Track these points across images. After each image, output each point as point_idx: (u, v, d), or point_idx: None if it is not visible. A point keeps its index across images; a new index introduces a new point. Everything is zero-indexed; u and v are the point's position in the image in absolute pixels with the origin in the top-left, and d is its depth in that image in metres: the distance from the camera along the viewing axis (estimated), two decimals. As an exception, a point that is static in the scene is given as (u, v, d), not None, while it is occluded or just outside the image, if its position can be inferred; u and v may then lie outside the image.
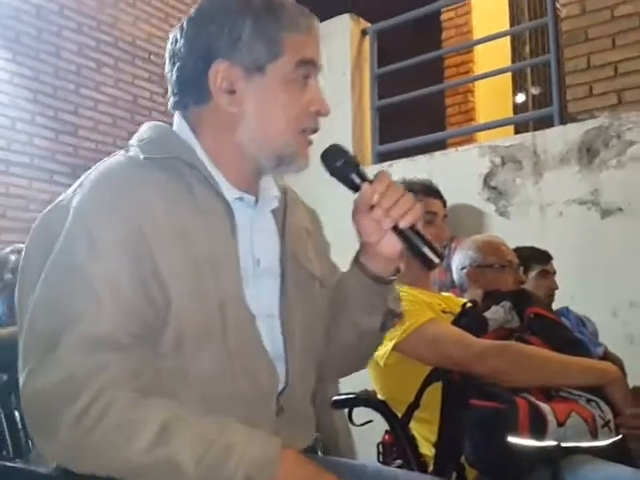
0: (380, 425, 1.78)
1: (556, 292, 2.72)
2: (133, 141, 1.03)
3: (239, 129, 1.01)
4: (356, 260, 1.10)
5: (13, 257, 3.19)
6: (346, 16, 4.69)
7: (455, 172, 3.91)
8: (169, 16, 5.08)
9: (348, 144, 4.51)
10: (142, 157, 0.97)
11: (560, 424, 1.43)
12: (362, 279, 1.08)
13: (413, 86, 4.38)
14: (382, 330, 1.15)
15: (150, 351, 0.91)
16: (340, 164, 1.03)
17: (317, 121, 1.05)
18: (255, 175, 1.06)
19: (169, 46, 1.05)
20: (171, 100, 1.06)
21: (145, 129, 1.05)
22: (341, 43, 4.67)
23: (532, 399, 1.48)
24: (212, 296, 0.95)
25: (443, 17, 5.53)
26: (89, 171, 0.99)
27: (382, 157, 4.50)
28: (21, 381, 0.87)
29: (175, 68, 1.03)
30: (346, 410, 1.86)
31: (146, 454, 0.82)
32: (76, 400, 0.83)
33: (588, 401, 1.51)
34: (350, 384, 1.62)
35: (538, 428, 1.42)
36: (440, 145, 4.65)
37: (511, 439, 1.41)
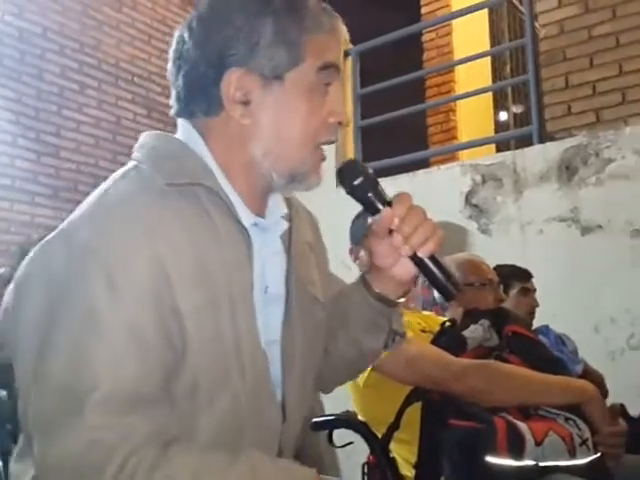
0: (364, 445, 1.77)
1: (538, 309, 2.73)
2: (141, 156, 0.92)
3: (251, 142, 0.91)
4: (363, 279, 1.03)
5: None
6: (328, 37, 4.73)
7: (437, 190, 3.93)
8: (152, 38, 5.11)
9: (331, 163, 4.52)
10: (163, 183, 0.86)
11: (538, 443, 1.42)
12: (368, 299, 1.02)
13: (395, 106, 4.41)
14: (385, 348, 1.10)
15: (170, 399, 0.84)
16: (358, 183, 0.96)
17: (336, 133, 0.96)
18: (264, 194, 0.97)
19: (174, 45, 0.94)
20: (175, 106, 0.96)
21: (153, 142, 0.94)
22: (323, 64, 4.71)
23: (510, 418, 1.47)
24: (228, 336, 0.87)
25: (424, 38, 5.59)
26: (95, 195, 0.88)
27: (365, 176, 4.52)
28: (39, 444, 0.80)
29: (182, 73, 0.92)
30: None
31: None
32: (104, 471, 0.76)
33: (566, 419, 1.52)
34: (332, 404, 1.61)
35: (516, 448, 1.41)
36: (422, 164, 4.68)
37: (490, 459, 1.41)
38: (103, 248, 0.81)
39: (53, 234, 0.86)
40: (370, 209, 0.96)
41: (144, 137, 0.95)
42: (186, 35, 0.92)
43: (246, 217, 0.92)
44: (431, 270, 0.94)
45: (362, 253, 1.72)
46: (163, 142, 0.94)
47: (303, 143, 0.92)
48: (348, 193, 0.98)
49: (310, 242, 1.11)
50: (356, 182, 0.96)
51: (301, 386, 1.01)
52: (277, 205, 1.00)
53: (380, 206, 0.95)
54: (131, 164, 0.93)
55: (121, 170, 0.92)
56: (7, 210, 4.09)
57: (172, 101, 0.96)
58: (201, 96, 0.91)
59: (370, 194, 0.95)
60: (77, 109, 4.61)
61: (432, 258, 0.94)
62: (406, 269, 0.96)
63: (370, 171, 0.98)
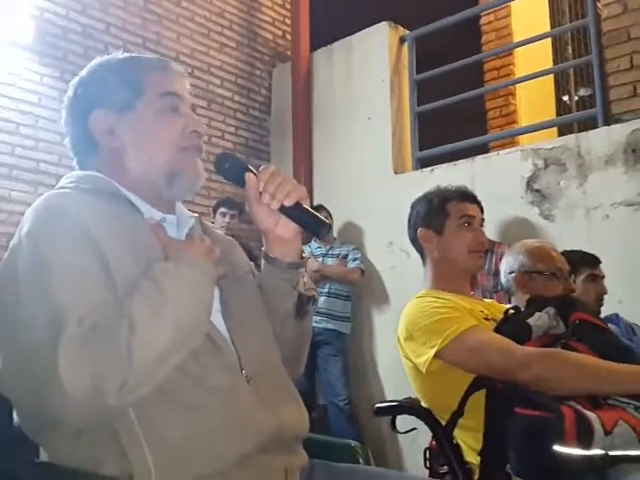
0: (427, 430, 1.78)
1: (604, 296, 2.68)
2: (62, 183, 1.16)
3: (125, 159, 1.16)
4: (263, 255, 1.23)
5: None
6: (384, 24, 4.71)
7: (497, 176, 3.88)
8: (211, 31, 5.17)
9: (388, 151, 4.52)
10: (82, 188, 1.11)
11: (607, 432, 1.39)
12: (268, 268, 1.22)
13: (453, 91, 4.36)
14: (299, 317, 1.24)
15: None
16: (227, 166, 1.18)
17: (198, 140, 1.19)
18: (164, 198, 1.18)
19: (62, 122, 1.22)
20: (75, 164, 1.22)
21: (67, 176, 1.18)
22: (379, 51, 4.69)
23: (578, 407, 1.45)
24: None
25: (482, 21, 5.49)
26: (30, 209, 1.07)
27: (423, 163, 4.49)
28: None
29: (68, 136, 1.21)
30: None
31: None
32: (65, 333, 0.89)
33: (636, 409, 1.48)
34: (395, 391, 1.62)
35: (585, 437, 1.39)
36: (481, 149, 4.61)
37: (557, 448, 1.39)
38: (38, 230, 1.01)
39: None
40: (242, 184, 1.16)
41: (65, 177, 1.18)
42: (63, 112, 1.21)
43: (153, 213, 1.14)
44: (299, 216, 1.14)
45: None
46: (77, 174, 1.17)
47: (164, 149, 1.16)
48: (225, 178, 1.20)
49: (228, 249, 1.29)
50: (226, 166, 1.18)
51: (249, 332, 1.15)
52: (184, 212, 1.23)
53: (247, 178, 1.16)
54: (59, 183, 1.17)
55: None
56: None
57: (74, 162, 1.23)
58: (81, 141, 1.19)
59: (241, 174, 1.16)
60: (139, 102, 4.72)
61: (298, 206, 1.13)
62: (287, 227, 1.17)
63: (237, 157, 1.23)
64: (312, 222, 1.15)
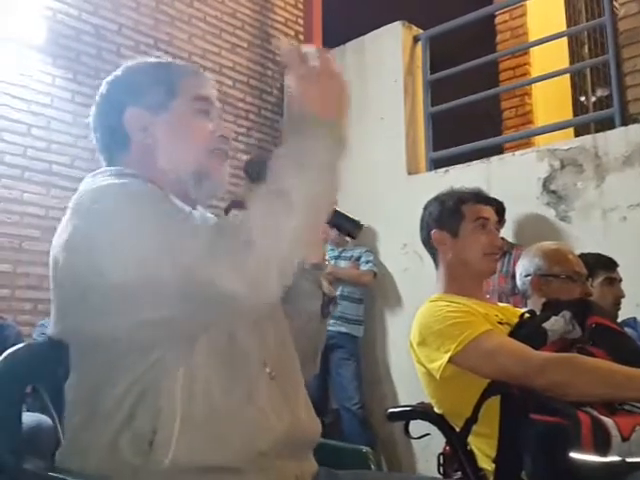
0: (440, 435, 1.76)
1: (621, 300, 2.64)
2: (90, 179, 1.16)
3: (157, 156, 1.18)
4: None
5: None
6: (397, 24, 4.68)
7: (513, 177, 3.84)
8: (223, 32, 5.17)
9: (401, 151, 4.49)
10: (124, 172, 1.13)
11: (625, 439, 1.37)
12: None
13: (467, 91, 4.32)
14: (323, 316, 1.28)
15: None
16: (259, 171, 1.17)
17: (225, 143, 1.23)
18: (191, 196, 1.20)
19: (91, 119, 1.24)
20: (102, 160, 1.23)
21: (100, 170, 1.19)
22: (393, 50, 4.67)
23: (595, 413, 1.42)
24: None
25: (497, 20, 5.44)
26: (75, 207, 1.07)
27: (437, 164, 4.45)
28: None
29: (98, 133, 1.23)
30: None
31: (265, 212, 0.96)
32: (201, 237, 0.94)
33: (654, 415, 1.45)
34: (407, 396, 1.60)
35: (602, 443, 1.36)
36: (497, 150, 4.57)
37: (573, 455, 1.37)
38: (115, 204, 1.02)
39: (66, 237, 1.04)
40: None
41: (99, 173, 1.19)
42: (94, 109, 1.24)
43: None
44: (334, 218, 1.17)
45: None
46: (119, 169, 1.17)
47: (194, 149, 1.19)
48: (253, 182, 1.19)
49: None
50: (258, 172, 1.16)
51: (273, 344, 1.15)
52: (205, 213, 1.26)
53: None
54: (89, 178, 1.17)
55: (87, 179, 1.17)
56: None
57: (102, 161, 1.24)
58: (113, 138, 1.20)
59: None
60: (152, 104, 4.72)
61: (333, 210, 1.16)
62: None
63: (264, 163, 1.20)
64: (347, 223, 1.21)
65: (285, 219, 0.94)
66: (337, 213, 1.19)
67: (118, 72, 1.26)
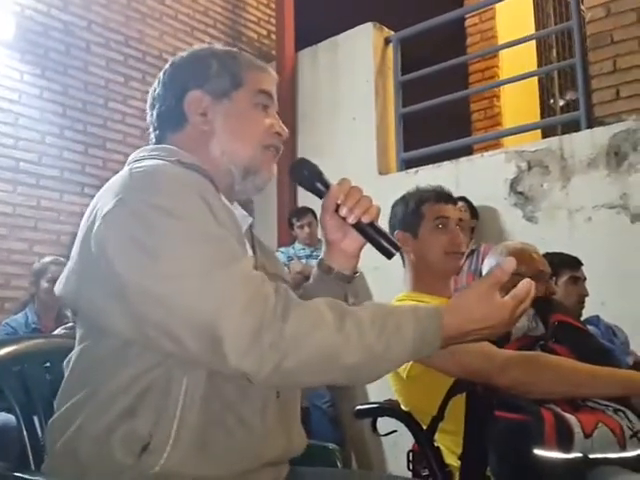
0: (409, 433, 1.77)
1: (586, 299, 2.69)
2: (144, 153, 1.14)
3: (211, 144, 1.16)
4: (320, 264, 1.26)
5: (54, 267, 3.26)
6: (369, 25, 4.70)
7: (481, 178, 3.88)
8: (195, 30, 5.15)
9: (372, 151, 4.51)
10: (175, 160, 1.08)
11: (587, 435, 1.39)
12: (325, 278, 1.24)
13: (438, 93, 4.36)
14: None
15: None
16: (307, 173, 1.20)
17: (279, 141, 1.21)
18: (235, 189, 1.19)
19: (150, 95, 1.24)
20: (152, 137, 1.22)
21: (151, 147, 1.17)
22: (364, 51, 4.69)
23: (558, 410, 1.44)
24: None
25: (467, 23, 5.50)
26: (128, 172, 1.05)
27: (407, 164, 4.48)
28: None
29: (155, 109, 1.21)
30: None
31: (337, 332, 0.93)
32: (265, 303, 0.92)
33: (616, 411, 1.48)
34: (376, 392, 1.61)
35: (565, 440, 1.38)
36: (466, 151, 4.61)
37: (537, 451, 1.38)
38: (159, 197, 0.98)
39: (109, 208, 0.99)
40: (318, 194, 1.19)
41: (139, 150, 1.18)
42: (156, 85, 1.23)
43: (224, 200, 1.14)
44: (372, 235, 1.16)
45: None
46: (161, 147, 1.16)
47: (250, 143, 1.17)
48: (299, 185, 1.22)
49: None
50: (305, 173, 1.20)
51: None
52: (239, 209, 1.23)
53: (326, 190, 1.18)
54: (142, 153, 1.15)
55: (137, 155, 1.15)
56: (57, 200, 4.17)
57: (150, 136, 1.23)
58: (171, 116, 1.19)
59: (317, 183, 1.19)
60: (122, 101, 4.68)
61: (372, 225, 1.15)
62: (354, 242, 1.21)
63: (315, 165, 1.22)
64: (384, 242, 1.16)
65: (345, 354, 0.93)
66: (375, 228, 1.16)
67: (184, 54, 1.24)
